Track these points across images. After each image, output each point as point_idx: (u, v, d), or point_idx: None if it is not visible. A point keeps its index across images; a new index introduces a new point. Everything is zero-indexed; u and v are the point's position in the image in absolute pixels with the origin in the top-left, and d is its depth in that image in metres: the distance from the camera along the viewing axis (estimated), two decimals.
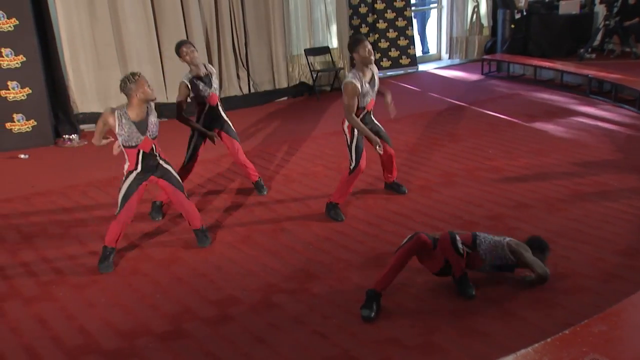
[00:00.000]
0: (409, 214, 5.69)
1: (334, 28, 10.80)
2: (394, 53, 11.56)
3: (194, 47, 5.81)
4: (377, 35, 11.33)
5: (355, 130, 5.52)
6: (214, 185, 6.62)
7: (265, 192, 6.33)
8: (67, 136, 8.39)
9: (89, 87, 8.96)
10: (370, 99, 5.53)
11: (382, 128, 5.82)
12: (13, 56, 7.96)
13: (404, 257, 4.21)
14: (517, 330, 3.90)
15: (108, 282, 4.79)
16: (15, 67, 8.00)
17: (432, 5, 12.87)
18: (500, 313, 4.07)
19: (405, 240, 4.29)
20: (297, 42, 10.66)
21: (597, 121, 8.26)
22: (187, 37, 9.32)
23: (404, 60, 11.68)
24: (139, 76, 4.68)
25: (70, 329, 4.18)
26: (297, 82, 10.58)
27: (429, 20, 13.05)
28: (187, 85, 5.72)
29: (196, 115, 5.98)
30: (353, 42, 5.43)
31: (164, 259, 5.11)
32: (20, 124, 8.22)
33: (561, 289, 4.32)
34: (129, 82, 4.65)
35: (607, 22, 11.55)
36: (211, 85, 5.88)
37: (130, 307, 4.43)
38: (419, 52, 12.31)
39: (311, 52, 10.53)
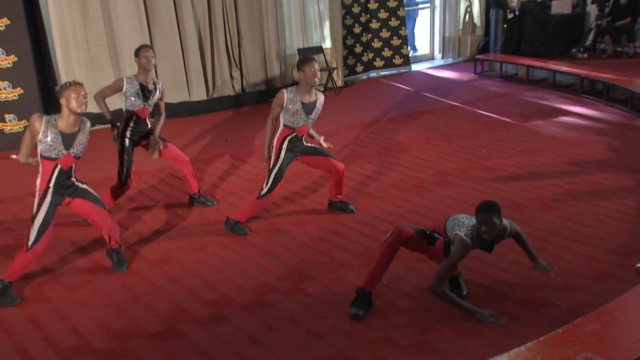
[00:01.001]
0: (403, 213, 5.69)
1: (327, 28, 10.79)
2: (387, 53, 11.56)
3: (154, 54, 5.61)
4: (370, 35, 11.33)
5: (281, 152, 5.30)
6: (206, 186, 6.60)
7: (211, 204, 6.09)
8: None
9: None
10: (302, 124, 5.25)
11: (321, 149, 5.50)
12: (4, 56, 7.91)
13: (388, 253, 4.16)
14: (511, 329, 3.90)
15: (101, 282, 4.77)
16: (7, 67, 7.94)
17: (425, 5, 12.87)
18: (495, 312, 4.07)
19: (388, 235, 4.23)
20: (290, 42, 10.65)
21: (589, 121, 8.30)
22: (179, 37, 9.30)
23: (397, 60, 11.69)
24: (73, 84, 4.35)
25: (63, 330, 4.16)
26: (290, 82, 10.57)
27: (417, 20, 13.05)
28: (124, 84, 5.53)
29: (123, 121, 5.66)
30: (301, 61, 5.16)
31: (157, 259, 5.09)
32: (12, 124, 8.17)
33: (555, 288, 4.34)
34: (62, 87, 4.36)
35: (599, 22, 11.60)
36: (147, 99, 5.62)
37: (123, 308, 4.41)
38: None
39: (304, 52, 10.51)
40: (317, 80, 5.17)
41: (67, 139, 4.45)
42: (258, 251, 5.15)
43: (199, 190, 6.10)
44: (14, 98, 8.08)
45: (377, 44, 11.44)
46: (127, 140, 5.69)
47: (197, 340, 4.00)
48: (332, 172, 5.59)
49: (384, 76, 11.53)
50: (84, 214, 4.83)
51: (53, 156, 4.46)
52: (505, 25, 11.78)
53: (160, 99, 5.80)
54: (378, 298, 4.28)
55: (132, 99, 5.57)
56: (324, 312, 4.22)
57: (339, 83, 10.75)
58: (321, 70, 10.59)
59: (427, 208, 5.78)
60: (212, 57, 9.80)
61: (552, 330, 3.41)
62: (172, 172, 6.91)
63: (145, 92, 5.61)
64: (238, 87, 10.10)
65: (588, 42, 11.94)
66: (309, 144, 5.49)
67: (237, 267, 4.90)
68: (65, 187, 4.60)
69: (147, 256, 5.15)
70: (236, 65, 10.04)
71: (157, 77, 9.22)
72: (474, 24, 12.49)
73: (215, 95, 9.88)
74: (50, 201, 4.55)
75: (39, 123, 4.38)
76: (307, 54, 10.51)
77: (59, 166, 4.50)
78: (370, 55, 11.42)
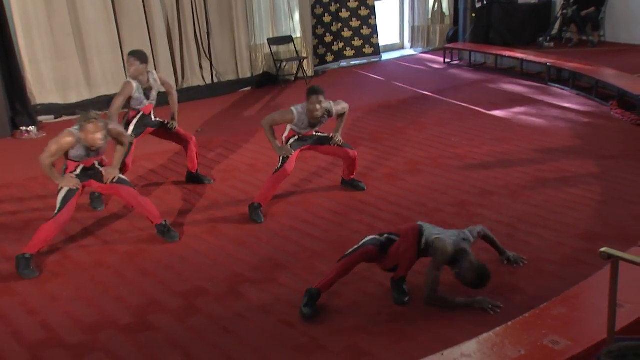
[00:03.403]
0: (375, 202, 5.72)
1: (297, 17, 10.74)
2: (357, 42, 11.57)
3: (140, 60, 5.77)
4: (340, 25, 11.31)
5: (289, 142, 5.62)
6: (176, 177, 6.54)
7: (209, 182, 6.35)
8: (24, 128, 8.17)
9: (47, 77, 8.72)
10: (309, 131, 5.63)
11: (334, 136, 5.72)
12: None
13: (350, 266, 4.13)
14: (481, 315, 3.95)
15: (70, 275, 4.70)
16: None
17: None
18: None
19: (351, 250, 4.15)
20: (260, 32, 10.57)
21: (556, 109, 8.42)
22: (147, 26, 9.18)
23: (367, 50, 11.70)
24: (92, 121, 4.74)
25: (31, 324, 4.10)
26: (261, 72, 10.52)
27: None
28: (132, 85, 5.75)
29: (125, 119, 5.92)
30: (308, 91, 5.45)
31: (127, 251, 5.04)
32: None
33: (523, 274, 4.41)
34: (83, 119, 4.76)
35: (564, 11, 11.77)
36: (149, 96, 5.89)
37: (94, 300, 4.36)
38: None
39: (274, 41, 10.46)
40: (317, 114, 5.42)
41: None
42: (230, 241, 5.13)
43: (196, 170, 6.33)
44: None
45: (347, 33, 11.43)
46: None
47: (170, 331, 3.97)
48: (345, 158, 5.82)
49: (355, 66, 11.54)
50: (121, 196, 5.16)
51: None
52: (473, 15, 11.86)
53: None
54: (350, 286, 4.31)
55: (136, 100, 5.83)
56: (297, 301, 4.21)
57: (310, 73, 10.73)
58: (291, 59, 10.60)
59: (398, 196, 5.81)
60: (180, 46, 9.69)
61: (520, 315, 3.47)
62: (140, 163, 6.83)
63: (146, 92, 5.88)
64: (208, 77, 10.00)
65: (554, 31, 12.10)
66: (319, 133, 5.73)
67: (209, 258, 4.88)
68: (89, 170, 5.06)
69: (117, 248, 5.09)
70: (205, 55, 9.95)
71: (124, 65, 9.09)
72: (443, 13, 12.56)
73: (185, 85, 9.78)
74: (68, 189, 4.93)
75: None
76: (277, 43, 10.47)
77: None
78: (341, 45, 11.41)
